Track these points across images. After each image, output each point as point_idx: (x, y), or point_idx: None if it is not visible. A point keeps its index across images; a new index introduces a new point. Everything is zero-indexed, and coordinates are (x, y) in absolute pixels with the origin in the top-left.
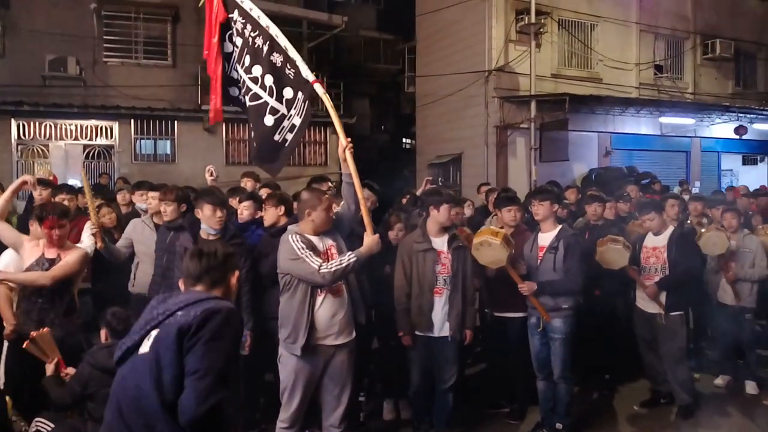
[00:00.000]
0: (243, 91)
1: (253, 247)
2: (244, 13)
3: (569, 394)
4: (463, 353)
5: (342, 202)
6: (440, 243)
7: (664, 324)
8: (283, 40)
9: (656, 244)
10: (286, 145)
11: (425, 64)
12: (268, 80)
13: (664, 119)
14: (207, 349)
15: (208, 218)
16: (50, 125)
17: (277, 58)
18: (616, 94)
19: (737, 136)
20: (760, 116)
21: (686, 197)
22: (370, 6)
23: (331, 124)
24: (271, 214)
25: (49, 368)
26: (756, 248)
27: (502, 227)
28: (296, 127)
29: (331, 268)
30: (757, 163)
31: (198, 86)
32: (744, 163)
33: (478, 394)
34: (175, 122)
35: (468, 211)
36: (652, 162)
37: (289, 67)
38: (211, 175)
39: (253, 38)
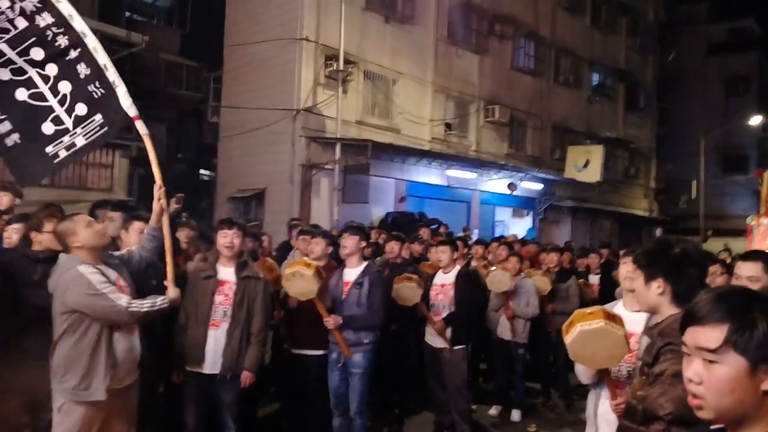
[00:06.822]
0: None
1: None
2: (55, 11)
3: (363, 429)
4: (257, 392)
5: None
6: (227, 273)
7: (448, 358)
8: (102, 58)
9: (444, 281)
10: (56, 161)
11: (232, 96)
12: (64, 87)
13: (450, 172)
14: None
15: None
16: None
17: (83, 70)
18: (412, 146)
19: (509, 192)
20: (527, 176)
21: (469, 242)
22: (174, 29)
23: (120, 146)
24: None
25: None
26: (530, 289)
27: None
28: (76, 147)
29: (142, 308)
30: (524, 216)
31: None
32: (513, 216)
33: None
34: None
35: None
36: (439, 209)
37: (96, 85)
38: None
39: (54, 34)
